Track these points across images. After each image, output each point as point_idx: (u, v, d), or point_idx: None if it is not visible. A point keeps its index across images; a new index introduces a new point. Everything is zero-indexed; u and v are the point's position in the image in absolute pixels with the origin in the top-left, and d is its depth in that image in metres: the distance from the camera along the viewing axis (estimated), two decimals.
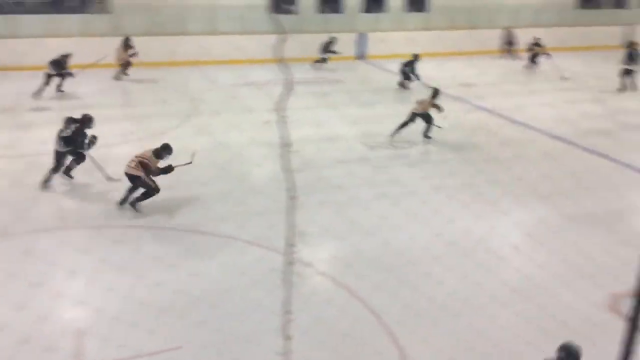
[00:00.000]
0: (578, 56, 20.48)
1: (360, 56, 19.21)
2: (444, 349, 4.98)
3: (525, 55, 18.73)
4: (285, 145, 3.15)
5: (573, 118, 12.50)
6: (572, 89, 15.60)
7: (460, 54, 19.76)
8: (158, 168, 7.48)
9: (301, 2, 19.22)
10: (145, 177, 7.43)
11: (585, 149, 10.52)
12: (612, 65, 16.20)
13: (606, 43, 22.09)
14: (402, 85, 14.88)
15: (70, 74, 13.04)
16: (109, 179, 8.31)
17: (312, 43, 16.89)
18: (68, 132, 8.16)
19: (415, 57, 14.67)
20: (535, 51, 18.32)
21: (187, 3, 17.56)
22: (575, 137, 11.15)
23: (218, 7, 17.80)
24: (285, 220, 3.12)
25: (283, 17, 18.39)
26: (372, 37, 19.16)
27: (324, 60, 17.45)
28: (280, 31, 2.68)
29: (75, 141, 8.16)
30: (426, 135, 10.66)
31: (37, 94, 12.75)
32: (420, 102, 10.66)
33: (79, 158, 8.38)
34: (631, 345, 1.62)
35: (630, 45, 15.72)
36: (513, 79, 17.10)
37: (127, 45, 15.01)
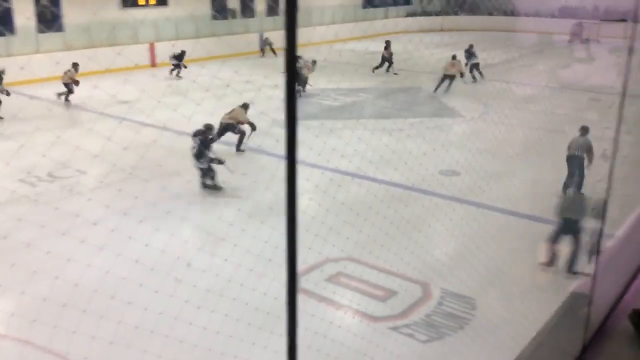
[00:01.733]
0: (225, 63, 22.11)
1: None
2: None
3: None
4: None
5: None
6: (227, 95, 16.79)
7: (111, 71, 19.26)
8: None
9: None
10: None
11: (251, 148, 11.55)
12: (255, 70, 18.00)
13: (243, 50, 24.44)
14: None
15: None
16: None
17: None
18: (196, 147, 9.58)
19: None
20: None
21: None
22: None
23: None
24: None
25: None
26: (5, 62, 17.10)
27: (71, 85, 16.38)
28: None
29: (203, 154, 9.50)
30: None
31: None
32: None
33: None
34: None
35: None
36: (172, 91, 17.53)
37: None
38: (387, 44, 21.26)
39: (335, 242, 7.36)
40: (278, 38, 25.26)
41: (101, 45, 20.09)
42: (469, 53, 20.13)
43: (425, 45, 27.44)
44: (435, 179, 10.16)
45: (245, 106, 12.13)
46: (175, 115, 13.28)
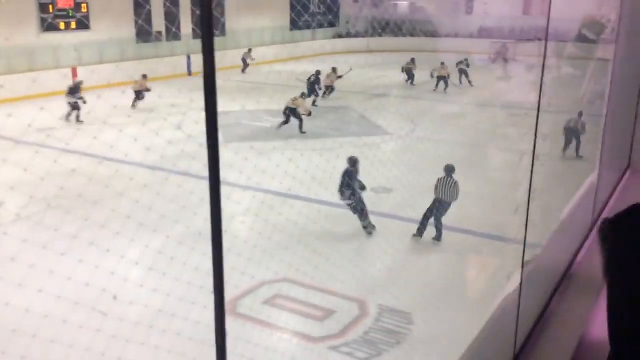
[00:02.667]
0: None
1: None
2: None
3: None
4: None
5: (161, 146, 13.17)
6: (150, 119, 16.43)
7: (29, 97, 18.44)
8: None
9: None
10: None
11: (179, 173, 11.26)
12: (180, 93, 17.71)
13: (167, 73, 24.01)
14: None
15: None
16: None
17: None
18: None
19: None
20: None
21: None
22: (167, 163, 11.82)
23: None
24: None
25: None
26: None
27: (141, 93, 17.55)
28: None
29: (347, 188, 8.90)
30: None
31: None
32: None
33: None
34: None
35: None
36: (93, 118, 16.96)
37: None
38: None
39: (269, 264, 7.26)
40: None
41: (20, 70, 19.25)
42: (463, 63, 23.91)
43: (352, 66, 27.98)
44: (366, 197, 10.25)
45: (303, 95, 15.96)
46: (96, 142, 12.88)
